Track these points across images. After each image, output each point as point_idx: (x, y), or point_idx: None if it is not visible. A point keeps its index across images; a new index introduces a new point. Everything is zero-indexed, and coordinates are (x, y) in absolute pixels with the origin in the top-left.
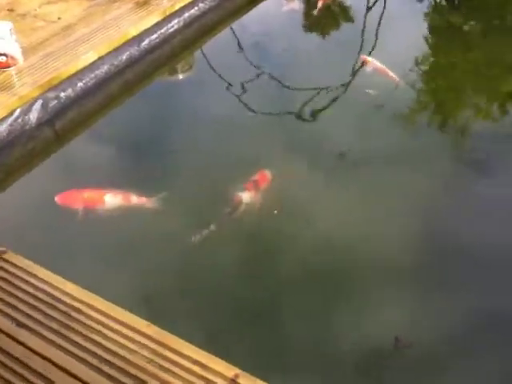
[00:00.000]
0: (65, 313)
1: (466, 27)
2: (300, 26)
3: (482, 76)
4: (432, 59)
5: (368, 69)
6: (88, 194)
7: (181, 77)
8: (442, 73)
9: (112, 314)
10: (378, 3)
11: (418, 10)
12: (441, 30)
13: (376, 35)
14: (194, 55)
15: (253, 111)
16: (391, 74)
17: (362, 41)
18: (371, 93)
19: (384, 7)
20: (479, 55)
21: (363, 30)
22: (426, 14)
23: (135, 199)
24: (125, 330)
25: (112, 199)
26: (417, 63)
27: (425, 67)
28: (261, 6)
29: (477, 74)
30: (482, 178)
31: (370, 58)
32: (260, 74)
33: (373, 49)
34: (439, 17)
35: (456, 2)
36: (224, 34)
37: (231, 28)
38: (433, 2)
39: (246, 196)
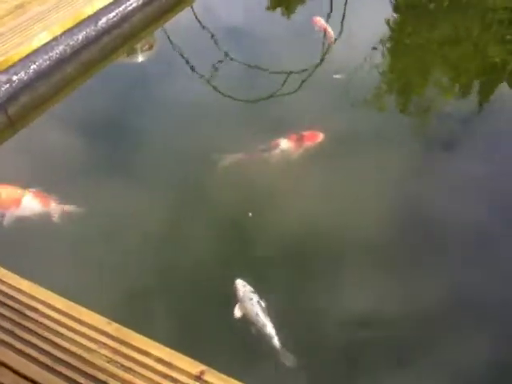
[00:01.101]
0: (19, 311)
1: (430, 5)
2: (263, 3)
3: (446, 54)
4: (397, 37)
5: (316, 27)
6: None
7: (141, 58)
8: (407, 51)
9: (70, 312)
10: None
11: None
12: (405, 8)
13: (343, 15)
14: (154, 35)
15: (218, 92)
16: (331, 33)
17: (329, 16)
18: (339, 77)
19: None
20: (444, 33)
21: (331, 7)
22: None
23: (54, 205)
24: (83, 329)
25: (29, 202)
26: (382, 42)
27: (390, 45)
28: None
29: (441, 52)
30: (445, 155)
31: (319, 18)
32: (226, 56)
33: (341, 29)
34: None
35: None
36: (186, 13)
37: (192, 7)
38: None
39: (284, 144)
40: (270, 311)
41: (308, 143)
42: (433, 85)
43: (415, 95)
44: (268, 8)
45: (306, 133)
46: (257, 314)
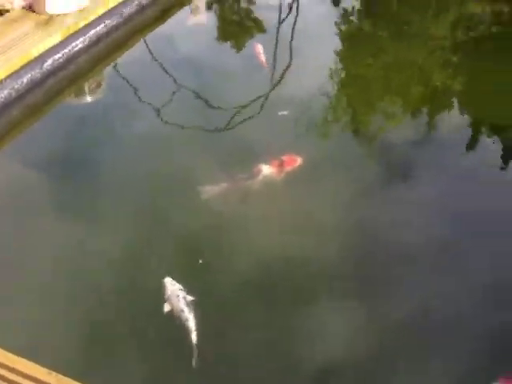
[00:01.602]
0: None
1: (377, 34)
2: (211, 40)
3: (393, 80)
4: (346, 66)
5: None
6: None
7: (89, 97)
8: (355, 79)
9: (6, 363)
10: (291, 15)
11: (331, 19)
12: (353, 37)
13: (290, 46)
14: (103, 73)
15: (171, 125)
16: (264, 61)
17: (275, 52)
18: (285, 114)
19: (295, 20)
20: (390, 60)
21: (277, 41)
22: (339, 23)
23: None
24: (21, 380)
25: None
26: (331, 71)
27: (339, 74)
28: (170, 21)
29: (388, 78)
30: (394, 180)
31: (259, 45)
32: (178, 89)
33: (290, 60)
34: (351, 25)
35: (365, 11)
36: (133, 51)
37: (141, 44)
38: (344, 12)
39: (266, 170)
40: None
41: (288, 167)
42: (378, 112)
43: (362, 123)
44: (218, 40)
45: (285, 157)
46: (182, 310)
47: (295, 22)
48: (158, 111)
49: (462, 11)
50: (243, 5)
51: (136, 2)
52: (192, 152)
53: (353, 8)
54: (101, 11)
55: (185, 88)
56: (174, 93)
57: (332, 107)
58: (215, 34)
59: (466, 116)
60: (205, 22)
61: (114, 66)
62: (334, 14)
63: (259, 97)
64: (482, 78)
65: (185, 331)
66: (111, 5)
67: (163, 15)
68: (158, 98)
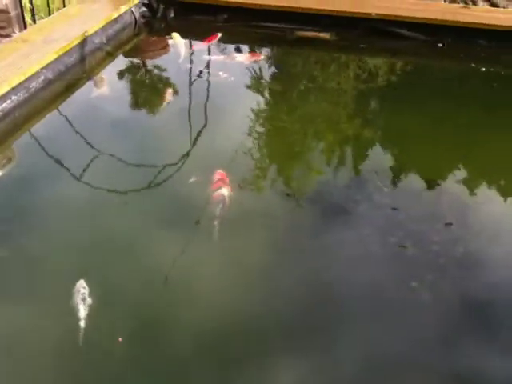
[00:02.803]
0: None
1: (287, 92)
2: (120, 107)
3: (308, 132)
4: (261, 123)
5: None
6: None
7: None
8: (272, 136)
9: None
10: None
11: (244, 79)
12: (265, 96)
13: (205, 110)
14: (12, 147)
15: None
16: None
17: (189, 116)
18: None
19: (208, 84)
20: (303, 114)
21: (189, 105)
22: (249, 86)
23: None
24: None
25: None
26: (249, 129)
27: (256, 132)
28: (77, 93)
29: (304, 131)
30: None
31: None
32: (91, 156)
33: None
34: (262, 85)
35: (277, 70)
36: (41, 125)
37: (48, 118)
38: (255, 72)
39: (225, 191)
40: None
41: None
42: (301, 164)
43: (286, 177)
44: (132, 106)
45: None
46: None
47: (208, 84)
48: (76, 177)
49: (360, 65)
50: (155, 70)
51: (42, 78)
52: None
53: (260, 69)
54: (6, 88)
55: (102, 153)
56: (91, 160)
57: (253, 163)
58: (126, 100)
59: (374, 162)
60: (108, 93)
61: (25, 140)
62: (246, 74)
63: (184, 155)
64: (387, 124)
65: None
66: (16, 81)
67: (68, 89)
68: (74, 166)
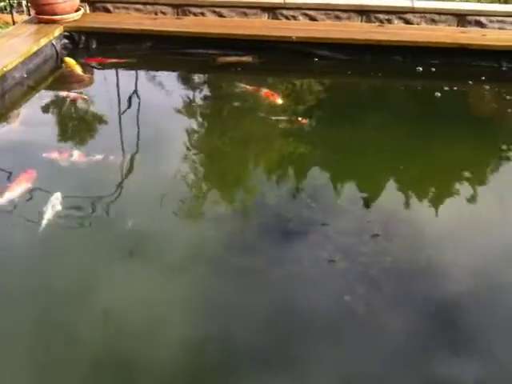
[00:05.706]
0: None
1: (220, 113)
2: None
3: (243, 155)
4: (195, 149)
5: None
6: None
7: None
8: (206, 159)
9: None
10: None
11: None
12: (196, 120)
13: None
14: None
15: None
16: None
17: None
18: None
19: (138, 111)
20: (235, 135)
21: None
22: (179, 110)
23: None
24: None
25: None
26: (183, 155)
27: (190, 158)
28: None
29: (237, 154)
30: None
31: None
32: None
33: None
34: (191, 111)
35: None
36: None
37: None
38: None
39: None
40: None
41: None
42: (238, 186)
43: (225, 201)
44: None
45: None
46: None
47: (138, 112)
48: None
49: (287, 85)
50: (80, 104)
51: None
52: None
53: (190, 97)
54: None
55: None
56: None
57: (192, 189)
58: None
59: (307, 179)
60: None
61: None
62: (173, 101)
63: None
64: (319, 141)
65: None
66: None
67: None
68: None
